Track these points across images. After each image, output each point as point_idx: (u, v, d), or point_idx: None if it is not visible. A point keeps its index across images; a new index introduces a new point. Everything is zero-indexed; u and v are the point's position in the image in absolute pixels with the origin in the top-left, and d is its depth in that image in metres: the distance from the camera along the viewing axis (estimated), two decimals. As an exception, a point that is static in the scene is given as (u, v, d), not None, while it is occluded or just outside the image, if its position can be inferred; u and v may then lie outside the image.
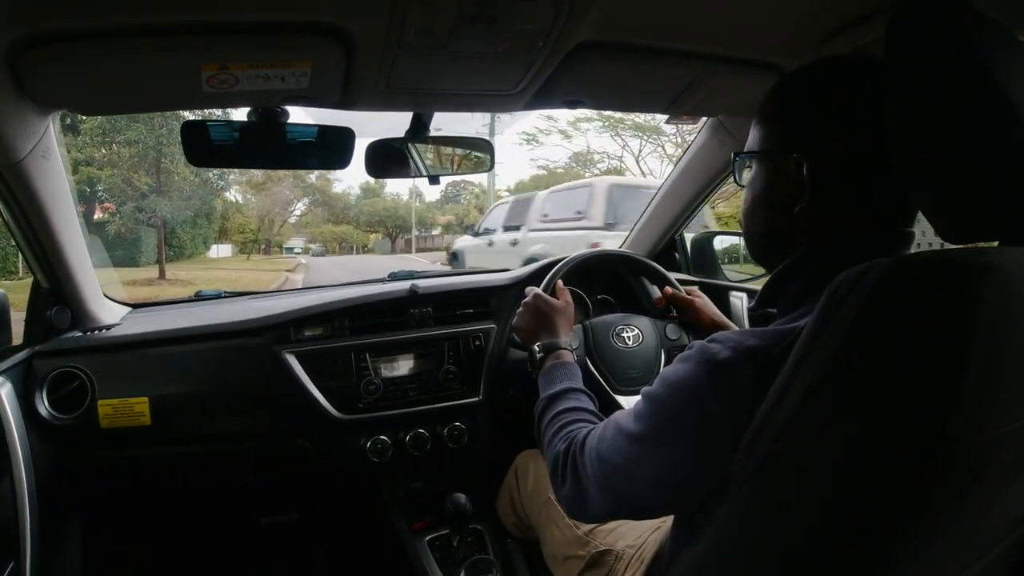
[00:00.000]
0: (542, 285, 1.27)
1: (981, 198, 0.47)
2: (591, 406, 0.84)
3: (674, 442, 0.58)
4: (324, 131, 1.01)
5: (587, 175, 16.82)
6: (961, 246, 0.50)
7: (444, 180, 1.23)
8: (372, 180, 20.74)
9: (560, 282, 1.17)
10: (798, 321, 0.54)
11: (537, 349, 0.99)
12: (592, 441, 0.69)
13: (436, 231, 30.00)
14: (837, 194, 0.59)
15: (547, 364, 0.96)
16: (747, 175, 0.67)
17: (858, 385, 0.44)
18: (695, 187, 1.51)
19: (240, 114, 0.97)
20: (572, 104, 1.09)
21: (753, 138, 0.66)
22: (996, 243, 0.49)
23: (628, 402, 1.22)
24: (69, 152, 10.83)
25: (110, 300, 1.37)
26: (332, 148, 1.03)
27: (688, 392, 0.57)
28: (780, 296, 0.62)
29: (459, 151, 1.23)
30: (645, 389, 0.64)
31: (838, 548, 0.46)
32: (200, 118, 1.00)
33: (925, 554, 0.47)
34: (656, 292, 1.46)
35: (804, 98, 0.62)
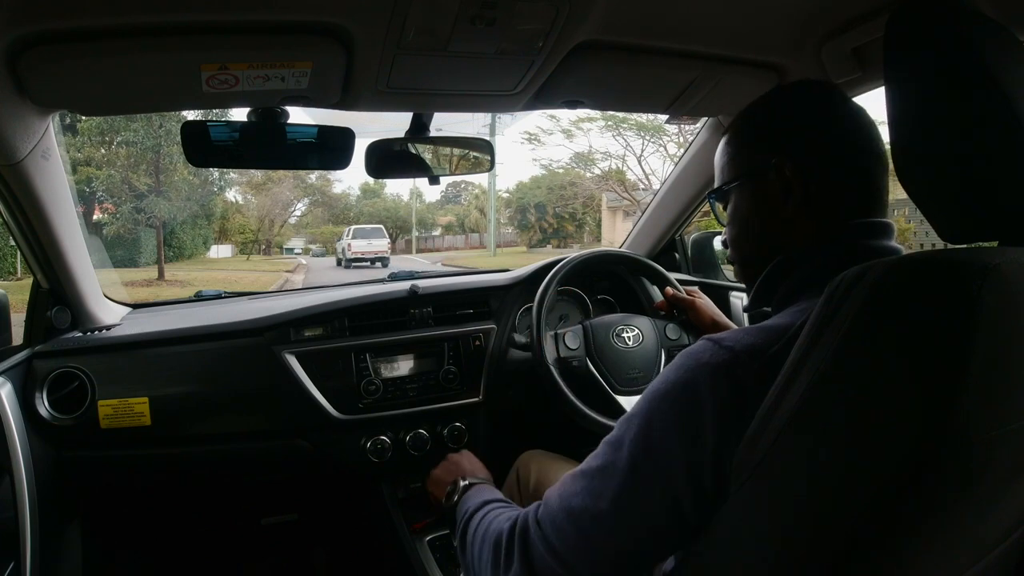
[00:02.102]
0: (542, 285, 1.27)
1: (980, 198, 0.47)
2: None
3: (671, 448, 0.54)
4: (324, 131, 1.01)
5: (587, 175, 16.88)
6: (961, 246, 0.50)
7: (444, 180, 1.23)
8: (372, 180, 20.72)
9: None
10: (795, 318, 0.54)
11: (450, 491, 0.87)
12: (550, 505, 0.61)
13: (436, 232, 30.02)
14: (820, 194, 0.61)
15: (462, 496, 0.83)
16: (728, 209, 0.69)
17: (858, 386, 0.44)
18: (695, 187, 1.51)
19: (240, 114, 0.97)
20: (572, 104, 1.09)
21: (723, 173, 0.68)
22: (996, 243, 0.49)
23: (629, 402, 1.22)
24: (68, 152, 10.83)
25: (110, 300, 1.37)
26: (332, 148, 1.03)
27: (685, 392, 0.55)
28: (773, 294, 0.63)
29: (459, 151, 1.23)
30: (616, 425, 0.60)
31: (838, 549, 0.46)
32: (200, 118, 1.00)
33: (926, 554, 0.47)
34: (656, 292, 1.46)
35: (771, 115, 0.66)
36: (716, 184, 0.69)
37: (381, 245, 16.16)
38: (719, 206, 0.71)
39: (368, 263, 15.39)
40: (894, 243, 0.60)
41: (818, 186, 0.61)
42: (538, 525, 0.61)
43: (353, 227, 17.73)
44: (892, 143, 0.52)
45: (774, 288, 0.63)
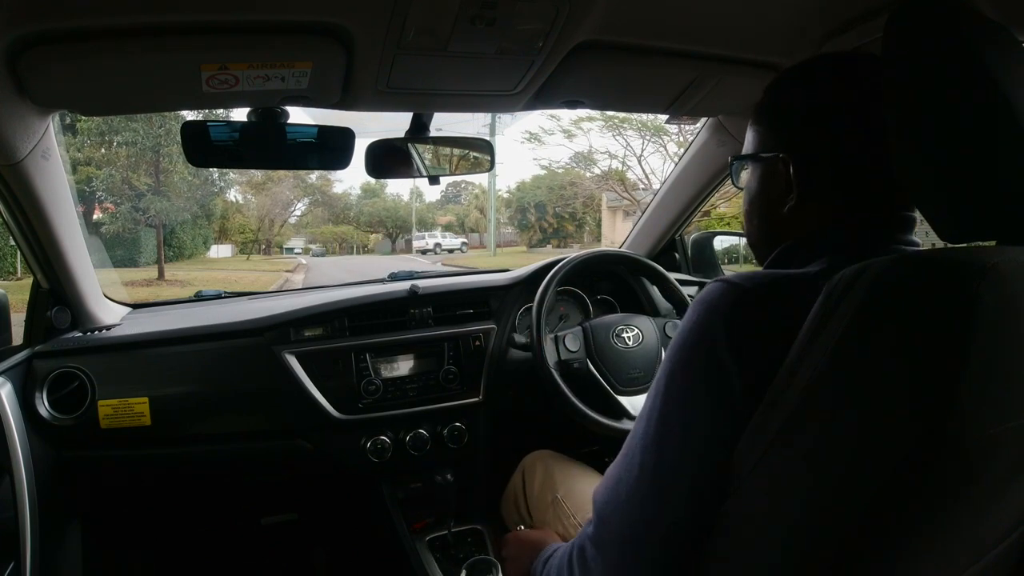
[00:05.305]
0: (542, 286, 1.27)
1: (979, 197, 0.47)
2: None
3: (696, 397, 0.53)
4: (324, 131, 1.01)
5: (587, 175, 16.88)
6: (959, 245, 0.50)
7: (444, 180, 1.23)
8: (372, 180, 20.88)
9: None
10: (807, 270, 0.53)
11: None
12: (596, 504, 0.60)
13: (437, 232, 30.05)
14: (824, 191, 0.60)
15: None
16: (743, 178, 0.69)
17: (856, 385, 0.44)
18: (695, 187, 1.51)
19: (240, 114, 0.97)
20: (572, 104, 1.09)
21: (747, 142, 0.68)
22: (994, 242, 0.49)
23: (630, 402, 1.22)
24: (68, 152, 10.82)
25: (110, 300, 1.37)
26: (332, 148, 1.03)
27: (700, 337, 0.53)
28: None
29: (459, 151, 1.23)
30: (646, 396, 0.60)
31: (837, 549, 0.46)
32: (200, 118, 1.00)
33: (925, 554, 0.47)
34: (656, 292, 1.46)
35: (788, 100, 0.63)
36: (743, 152, 0.68)
37: (424, 243, 23.99)
38: (740, 168, 0.69)
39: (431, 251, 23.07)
40: (910, 236, 0.59)
41: (822, 183, 0.59)
42: (589, 537, 0.60)
43: (414, 232, 26.92)
44: (891, 143, 0.52)
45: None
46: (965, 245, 0.50)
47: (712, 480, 0.52)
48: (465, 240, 25.00)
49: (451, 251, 23.06)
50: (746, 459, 0.50)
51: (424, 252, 23.04)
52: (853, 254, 0.51)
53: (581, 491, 1.08)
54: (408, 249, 27.07)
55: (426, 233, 26.00)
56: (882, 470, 0.43)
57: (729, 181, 1.53)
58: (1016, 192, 0.46)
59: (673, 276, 1.40)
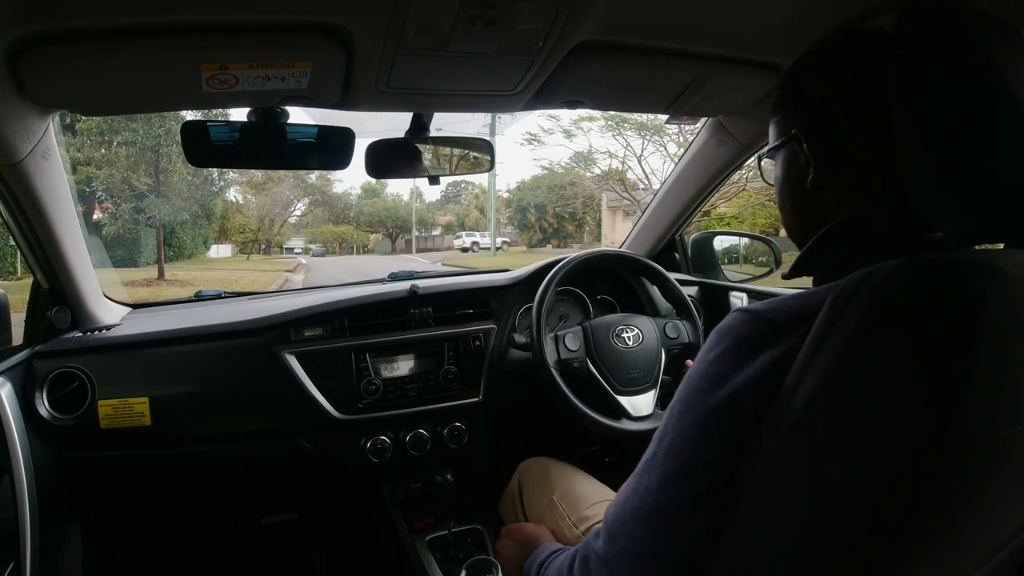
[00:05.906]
0: (541, 286, 1.27)
1: (986, 199, 0.47)
2: None
3: (712, 427, 0.52)
4: (324, 131, 1.01)
5: (587, 175, 16.90)
6: (967, 248, 0.50)
7: (444, 180, 1.23)
8: (372, 180, 20.83)
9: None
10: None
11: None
12: (607, 520, 0.60)
13: (436, 231, 30.06)
14: (849, 169, 0.58)
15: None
16: (771, 173, 0.68)
17: (863, 387, 0.44)
18: (695, 187, 1.51)
19: (240, 114, 0.97)
20: (572, 104, 1.09)
21: (770, 138, 0.67)
22: (1001, 245, 0.49)
23: (629, 402, 1.22)
24: (68, 152, 10.82)
25: (110, 300, 1.37)
26: (332, 148, 1.03)
27: (722, 369, 0.52)
28: (816, 267, 0.60)
29: (459, 151, 1.23)
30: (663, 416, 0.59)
31: (843, 553, 0.46)
32: (200, 118, 1.00)
33: (932, 556, 0.47)
34: (656, 292, 1.46)
35: (800, 80, 0.63)
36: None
37: (462, 242, 25.33)
38: (767, 164, 0.69)
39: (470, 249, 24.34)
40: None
41: (847, 159, 0.57)
42: (597, 552, 0.59)
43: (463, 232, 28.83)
44: (896, 142, 0.51)
45: (817, 261, 0.60)
46: (973, 248, 0.50)
47: (718, 494, 0.52)
48: (506, 239, 24.48)
49: (497, 250, 23.48)
50: (753, 461, 0.50)
51: (464, 250, 24.10)
52: (880, 255, 0.48)
53: (577, 492, 1.08)
54: (408, 249, 27.15)
55: (464, 232, 27.48)
56: (888, 472, 0.43)
57: (728, 181, 1.54)
58: (1022, 193, 0.46)
59: (673, 276, 1.40)
